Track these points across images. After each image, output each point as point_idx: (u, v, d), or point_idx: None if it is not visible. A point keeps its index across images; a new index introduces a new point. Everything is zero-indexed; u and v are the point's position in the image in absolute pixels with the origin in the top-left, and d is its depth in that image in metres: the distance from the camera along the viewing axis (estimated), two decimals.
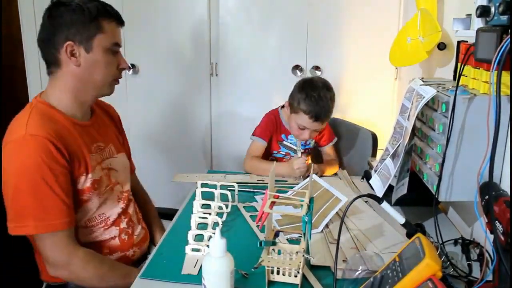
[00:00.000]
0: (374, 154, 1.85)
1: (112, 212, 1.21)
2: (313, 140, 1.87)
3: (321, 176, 1.64)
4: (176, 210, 1.38)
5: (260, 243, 0.97)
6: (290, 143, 1.84)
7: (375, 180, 1.23)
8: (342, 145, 2.02)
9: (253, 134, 1.83)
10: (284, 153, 1.85)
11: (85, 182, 1.12)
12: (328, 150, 1.88)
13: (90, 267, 1.09)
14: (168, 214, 1.51)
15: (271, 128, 1.83)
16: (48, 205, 1.02)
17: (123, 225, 1.23)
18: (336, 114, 2.21)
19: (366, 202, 1.33)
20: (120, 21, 1.17)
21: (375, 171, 1.27)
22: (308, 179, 1.47)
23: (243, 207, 1.35)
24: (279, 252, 0.99)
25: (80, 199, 1.12)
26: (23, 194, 1.01)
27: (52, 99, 1.13)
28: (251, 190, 1.49)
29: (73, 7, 1.09)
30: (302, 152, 1.72)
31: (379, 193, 1.17)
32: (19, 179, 1.01)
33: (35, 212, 1.02)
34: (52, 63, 1.13)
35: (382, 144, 1.90)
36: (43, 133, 1.02)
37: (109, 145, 1.26)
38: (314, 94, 1.64)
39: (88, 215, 1.15)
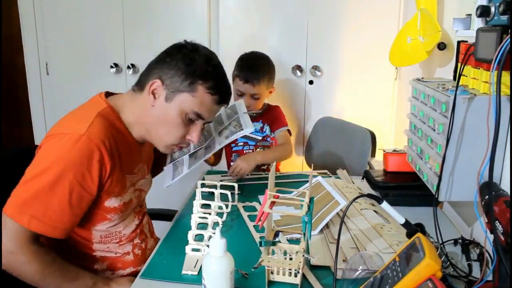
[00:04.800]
0: (373, 154, 1.85)
1: (128, 230, 1.17)
2: (268, 128, 1.93)
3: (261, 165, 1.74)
4: (175, 211, 1.38)
5: (260, 242, 0.97)
6: None
7: (168, 168, 1.23)
8: (342, 145, 2.02)
9: None
10: (242, 143, 1.91)
11: (114, 202, 1.08)
12: (278, 135, 1.92)
13: (36, 263, 0.97)
14: (168, 215, 1.51)
15: None
16: (53, 207, 0.97)
17: (137, 240, 1.20)
18: (336, 114, 2.22)
19: (366, 202, 1.33)
20: (222, 101, 1.11)
21: (173, 159, 1.27)
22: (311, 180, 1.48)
23: (243, 207, 1.35)
24: (283, 253, 0.99)
25: (103, 216, 1.08)
26: (40, 185, 0.96)
27: (122, 110, 1.10)
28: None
29: (188, 56, 1.06)
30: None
31: (166, 182, 1.21)
32: (47, 169, 0.96)
33: (36, 208, 0.96)
34: (139, 84, 1.11)
35: (381, 144, 1.90)
36: (99, 140, 0.98)
37: (144, 165, 1.24)
38: (246, 60, 1.86)
39: (105, 232, 1.12)
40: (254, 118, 1.93)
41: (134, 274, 1.18)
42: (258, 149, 1.90)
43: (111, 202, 1.08)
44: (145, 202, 1.31)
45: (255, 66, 1.83)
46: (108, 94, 1.14)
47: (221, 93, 1.10)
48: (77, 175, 0.97)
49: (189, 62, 1.05)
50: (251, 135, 1.92)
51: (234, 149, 1.92)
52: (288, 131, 1.94)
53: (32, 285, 1.00)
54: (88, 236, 1.11)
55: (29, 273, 0.98)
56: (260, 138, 1.92)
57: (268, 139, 1.94)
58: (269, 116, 1.95)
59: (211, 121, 1.15)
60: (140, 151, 1.17)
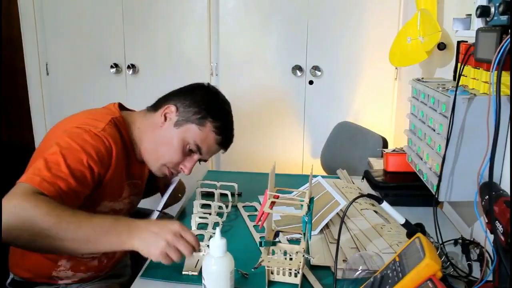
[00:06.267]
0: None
1: None
2: None
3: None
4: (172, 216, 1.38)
5: (260, 243, 0.97)
6: None
7: None
8: (344, 146, 2.02)
9: None
10: None
11: (105, 206, 1.09)
12: None
13: (44, 205, 0.87)
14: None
15: None
16: (61, 170, 0.94)
17: None
18: (335, 113, 2.22)
19: (366, 202, 1.33)
20: (223, 144, 1.17)
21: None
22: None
23: (243, 207, 1.35)
24: (283, 253, 0.99)
25: None
26: (56, 153, 0.96)
27: (132, 124, 1.15)
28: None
29: (208, 95, 1.15)
30: None
31: None
32: (65, 138, 0.99)
33: (48, 172, 0.93)
34: (155, 105, 1.18)
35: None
36: (112, 139, 1.04)
37: (142, 184, 1.26)
38: None
39: None
40: None
41: (93, 277, 1.18)
42: None
43: (102, 206, 1.09)
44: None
45: None
46: (121, 107, 1.20)
47: (226, 136, 1.16)
48: (90, 155, 0.99)
49: (207, 100, 1.14)
50: None
51: None
52: None
53: (46, 236, 0.86)
54: None
55: (39, 216, 0.85)
56: None
57: None
58: None
59: (207, 159, 1.20)
60: (138, 168, 1.19)
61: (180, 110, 1.13)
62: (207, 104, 1.13)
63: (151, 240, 0.88)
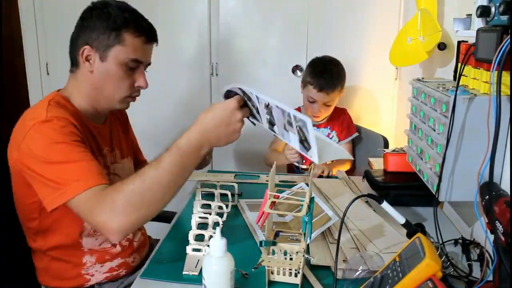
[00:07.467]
0: None
1: None
2: (335, 135, 1.93)
3: (328, 175, 1.67)
4: (173, 213, 1.38)
5: (261, 242, 0.97)
6: None
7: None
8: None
9: None
10: None
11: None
12: (343, 146, 1.92)
13: (123, 187, 0.91)
14: (166, 216, 1.50)
15: None
16: (84, 165, 0.96)
17: None
18: None
19: (366, 202, 1.33)
20: (149, 39, 1.14)
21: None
22: (298, 185, 1.48)
23: (245, 203, 1.36)
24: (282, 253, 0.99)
25: None
26: (55, 165, 0.95)
27: (71, 95, 1.14)
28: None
29: (103, 13, 1.09)
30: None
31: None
32: (48, 153, 0.96)
33: (72, 175, 0.94)
34: (72, 62, 1.15)
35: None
36: (61, 116, 1.03)
37: (116, 150, 1.25)
38: (320, 67, 1.84)
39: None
40: (320, 124, 1.93)
41: (123, 266, 1.20)
42: None
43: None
44: None
45: (328, 73, 1.81)
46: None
47: (146, 32, 1.14)
48: (74, 137, 1.01)
49: (106, 17, 1.09)
50: None
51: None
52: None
53: (159, 203, 0.95)
54: (78, 228, 1.11)
55: (144, 190, 0.92)
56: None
57: None
58: (337, 122, 1.95)
59: (150, 62, 1.19)
60: (100, 133, 1.19)
61: (95, 45, 1.09)
62: (109, 21, 1.08)
63: (228, 136, 1.03)
